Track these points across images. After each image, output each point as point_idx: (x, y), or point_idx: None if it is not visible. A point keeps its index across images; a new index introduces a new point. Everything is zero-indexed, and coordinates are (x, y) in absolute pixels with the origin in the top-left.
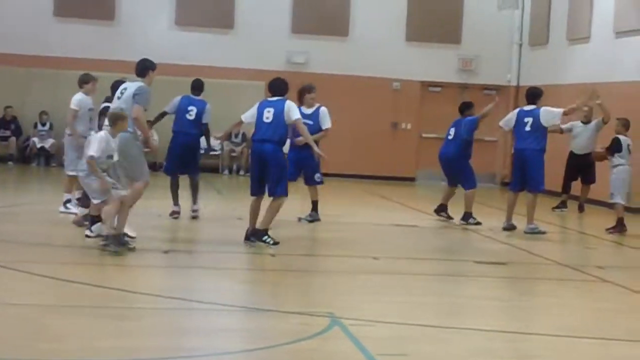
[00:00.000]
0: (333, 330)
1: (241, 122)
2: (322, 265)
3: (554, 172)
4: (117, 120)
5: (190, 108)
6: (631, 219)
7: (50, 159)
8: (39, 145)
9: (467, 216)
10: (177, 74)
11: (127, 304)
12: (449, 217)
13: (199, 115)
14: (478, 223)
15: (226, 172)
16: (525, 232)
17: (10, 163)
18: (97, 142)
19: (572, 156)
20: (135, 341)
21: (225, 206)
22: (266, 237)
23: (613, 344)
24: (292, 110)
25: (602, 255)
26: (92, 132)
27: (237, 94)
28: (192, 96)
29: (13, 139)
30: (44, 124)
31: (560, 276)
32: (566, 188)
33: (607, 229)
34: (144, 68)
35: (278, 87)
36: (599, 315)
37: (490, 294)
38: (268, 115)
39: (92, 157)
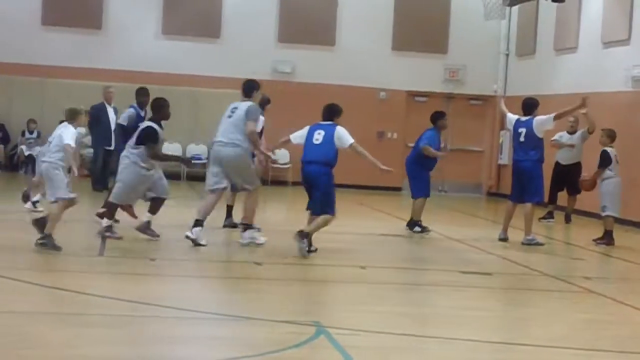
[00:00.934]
0: (319, 339)
1: (289, 140)
2: (309, 274)
3: None
4: (75, 115)
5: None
6: (617, 230)
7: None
8: (26, 153)
9: (413, 224)
10: (164, 83)
11: (112, 311)
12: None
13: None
14: (424, 230)
15: None
16: (523, 244)
17: None
18: (73, 134)
19: (558, 167)
20: (120, 349)
21: (210, 215)
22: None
23: (598, 355)
24: (345, 136)
25: (589, 266)
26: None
27: (223, 103)
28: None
29: (1, 146)
30: (31, 132)
31: (547, 287)
32: (552, 198)
33: (595, 240)
34: (251, 88)
35: (330, 112)
36: (585, 326)
37: (476, 305)
38: (318, 137)
39: (70, 145)
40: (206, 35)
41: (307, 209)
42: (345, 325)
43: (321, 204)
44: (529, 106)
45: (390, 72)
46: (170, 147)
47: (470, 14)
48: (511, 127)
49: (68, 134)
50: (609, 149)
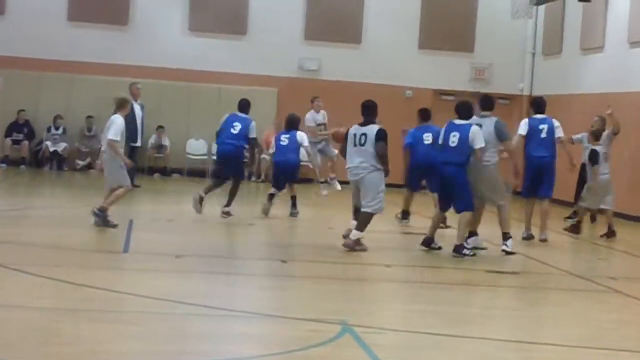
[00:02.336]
0: (344, 338)
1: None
2: (334, 272)
3: (566, 182)
4: (122, 104)
5: (235, 124)
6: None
7: (62, 162)
8: (51, 149)
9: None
10: (190, 79)
11: (137, 308)
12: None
13: (243, 129)
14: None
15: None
16: (541, 240)
17: (22, 167)
18: (119, 127)
19: (585, 167)
20: (147, 346)
21: (238, 212)
22: (464, 250)
23: (624, 355)
24: (478, 138)
25: (615, 265)
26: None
27: (250, 100)
28: (237, 113)
29: (26, 142)
30: (57, 128)
31: (572, 286)
32: (578, 198)
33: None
34: (489, 102)
35: (464, 110)
36: (609, 326)
37: (501, 304)
38: (454, 139)
39: (114, 140)
40: (233, 32)
41: (440, 209)
42: (371, 324)
43: (459, 200)
44: (541, 105)
45: (417, 70)
46: (195, 144)
47: (497, 12)
48: (526, 127)
49: (113, 128)
50: (597, 147)
